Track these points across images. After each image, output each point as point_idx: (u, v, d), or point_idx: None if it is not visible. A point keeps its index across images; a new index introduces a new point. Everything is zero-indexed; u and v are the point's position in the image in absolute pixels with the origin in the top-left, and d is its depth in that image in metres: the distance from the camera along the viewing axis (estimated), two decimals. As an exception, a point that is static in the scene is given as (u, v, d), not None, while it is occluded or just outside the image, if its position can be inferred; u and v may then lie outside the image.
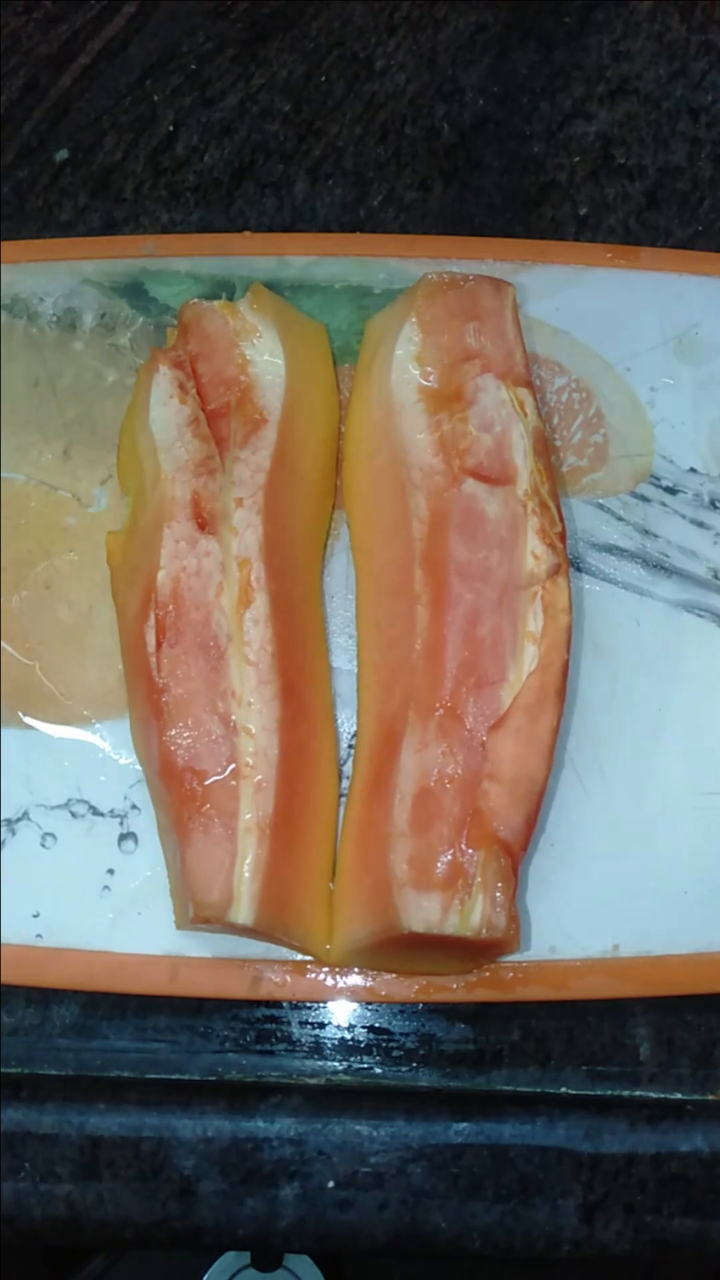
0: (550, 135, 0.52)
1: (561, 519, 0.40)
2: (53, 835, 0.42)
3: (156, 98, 0.52)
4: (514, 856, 0.36)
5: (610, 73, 0.52)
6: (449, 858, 0.36)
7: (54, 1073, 0.41)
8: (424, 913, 0.35)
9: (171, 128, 0.52)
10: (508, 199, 0.51)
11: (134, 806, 0.42)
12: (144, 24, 0.53)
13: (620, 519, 0.45)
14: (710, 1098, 0.41)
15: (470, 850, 0.36)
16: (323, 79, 0.52)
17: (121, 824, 0.42)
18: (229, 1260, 0.63)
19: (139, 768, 0.42)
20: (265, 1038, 0.41)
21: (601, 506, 0.45)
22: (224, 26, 0.53)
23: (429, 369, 0.41)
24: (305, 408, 0.43)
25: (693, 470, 0.46)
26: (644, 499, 0.45)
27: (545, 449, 0.41)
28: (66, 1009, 0.42)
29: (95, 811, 0.42)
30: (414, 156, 0.51)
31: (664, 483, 0.46)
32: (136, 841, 0.42)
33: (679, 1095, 0.41)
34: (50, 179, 0.51)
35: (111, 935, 0.41)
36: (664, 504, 0.45)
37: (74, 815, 0.42)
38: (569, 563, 0.41)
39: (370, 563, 0.43)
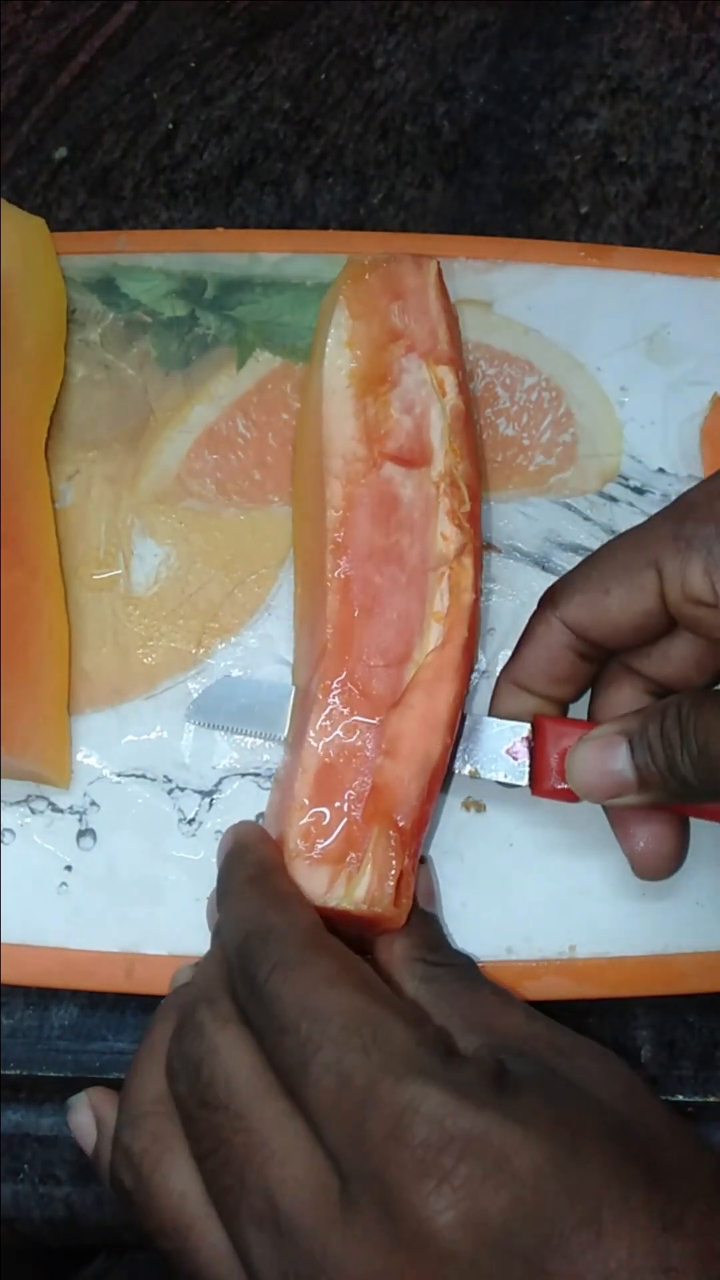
0: (551, 133, 0.51)
1: (474, 499, 0.40)
2: (11, 831, 0.42)
3: (156, 95, 0.52)
4: (404, 832, 0.37)
5: (611, 71, 0.52)
6: (342, 832, 0.37)
7: (53, 1074, 0.41)
8: (311, 884, 0.36)
9: (171, 126, 0.52)
10: (509, 197, 0.50)
11: (93, 803, 0.42)
12: (143, 22, 0.53)
13: (587, 519, 0.45)
14: (712, 1099, 0.41)
15: (364, 825, 0.37)
16: (323, 77, 0.52)
17: (80, 820, 0.42)
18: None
19: (100, 764, 0.42)
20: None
21: (568, 506, 0.45)
22: (224, 24, 0.53)
23: (358, 353, 0.41)
24: (19, 288, 0.44)
25: (661, 470, 0.45)
26: (611, 499, 0.45)
27: (465, 427, 0.40)
28: (66, 1011, 0.41)
29: (54, 808, 0.42)
30: (414, 154, 0.51)
31: (632, 483, 0.45)
32: (95, 838, 0.41)
33: (680, 1097, 0.41)
34: (49, 177, 0.51)
35: (68, 932, 0.41)
36: (631, 504, 0.45)
37: (33, 811, 0.42)
38: (481, 542, 0.40)
39: (300, 554, 0.43)
